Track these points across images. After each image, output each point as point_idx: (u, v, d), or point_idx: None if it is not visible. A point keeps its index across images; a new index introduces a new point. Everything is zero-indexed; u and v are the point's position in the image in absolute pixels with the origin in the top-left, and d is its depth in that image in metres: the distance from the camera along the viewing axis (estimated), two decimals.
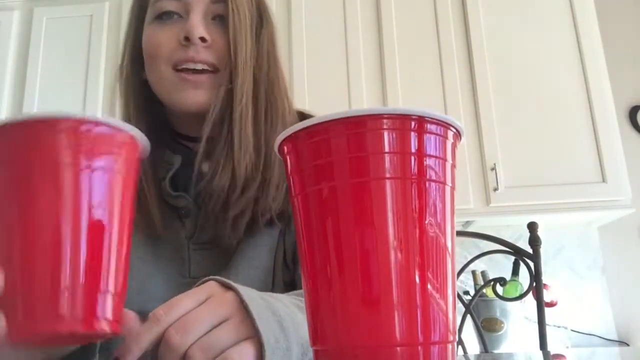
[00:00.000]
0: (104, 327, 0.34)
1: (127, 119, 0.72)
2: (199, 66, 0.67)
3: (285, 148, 0.32)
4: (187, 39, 0.66)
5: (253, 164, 0.67)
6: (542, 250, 1.16)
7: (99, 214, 0.34)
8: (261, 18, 0.74)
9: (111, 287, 0.35)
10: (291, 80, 2.08)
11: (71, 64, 2.30)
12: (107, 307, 0.35)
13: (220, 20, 0.70)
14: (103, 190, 0.34)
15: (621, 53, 2.40)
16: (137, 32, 0.73)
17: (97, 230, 0.34)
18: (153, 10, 0.70)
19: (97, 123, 0.35)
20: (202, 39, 0.66)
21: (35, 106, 2.26)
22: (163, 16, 0.69)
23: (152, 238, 0.69)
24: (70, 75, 2.28)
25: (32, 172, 0.33)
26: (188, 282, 0.42)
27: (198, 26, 0.66)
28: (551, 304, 2.09)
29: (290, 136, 0.31)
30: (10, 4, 2.39)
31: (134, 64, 0.73)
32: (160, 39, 0.68)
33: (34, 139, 0.33)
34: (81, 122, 0.34)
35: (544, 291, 1.29)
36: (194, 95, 0.67)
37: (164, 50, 0.68)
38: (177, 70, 0.68)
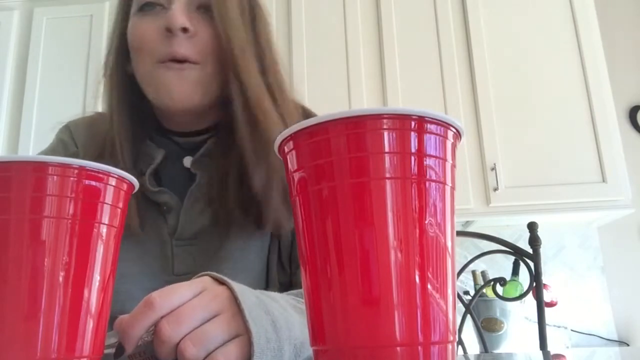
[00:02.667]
0: None
1: (110, 112, 0.69)
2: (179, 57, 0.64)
3: (285, 148, 0.32)
4: (169, 30, 0.63)
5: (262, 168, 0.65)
6: (542, 250, 1.16)
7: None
8: (253, 9, 0.71)
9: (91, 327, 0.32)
10: (291, 80, 2.08)
11: (71, 64, 2.30)
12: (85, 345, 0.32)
13: (205, 10, 0.66)
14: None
15: (621, 53, 2.40)
16: (123, 25, 0.70)
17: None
18: (137, 1, 0.68)
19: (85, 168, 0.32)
20: (184, 30, 0.63)
21: (35, 106, 2.27)
22: (145, 7, 0.66)
23: (135, 235, 0.67)
24: (70, 75, 2.28)
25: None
26: (172, 279, 0.42)
27: (179, 16, 0.62)
28: (551, 304, 2.09)
29: (290, 136, 0.31)
30: (10, 4, 2.39)
31: (120, 57, 0.70)
32: (143, 31, 0.65)
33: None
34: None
35: (544, 291, 1.29)
36: (179, 87, 0.64)
37: (147, 44, 0.65)
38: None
